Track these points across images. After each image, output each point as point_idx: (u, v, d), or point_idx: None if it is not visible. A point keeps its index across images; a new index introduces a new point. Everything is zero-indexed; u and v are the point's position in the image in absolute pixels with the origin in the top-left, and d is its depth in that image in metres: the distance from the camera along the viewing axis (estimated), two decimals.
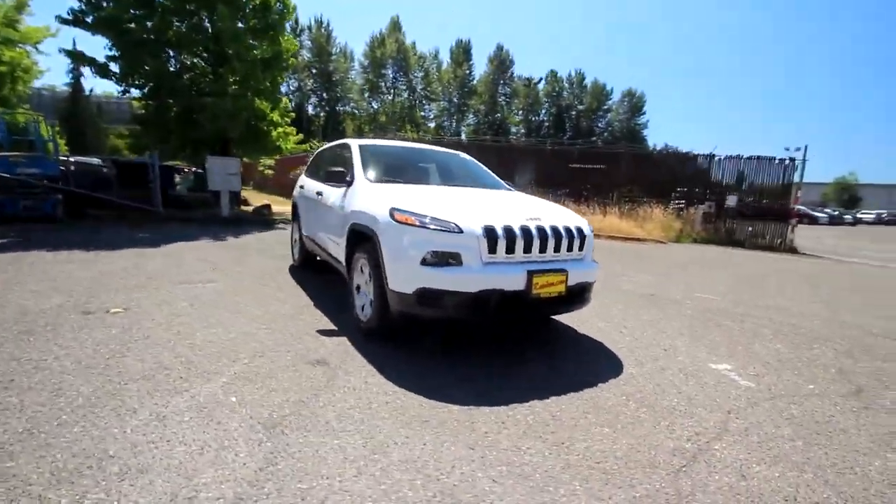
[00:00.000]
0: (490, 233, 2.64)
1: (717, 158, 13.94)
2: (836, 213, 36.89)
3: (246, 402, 2.17)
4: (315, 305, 3.89)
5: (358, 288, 3.33)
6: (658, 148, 37.04)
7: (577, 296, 3.01)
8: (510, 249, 2.69)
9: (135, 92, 11.14)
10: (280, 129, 12.39)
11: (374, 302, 3.00)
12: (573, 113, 63.47)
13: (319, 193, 4.27)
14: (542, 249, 2.80)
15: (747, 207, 13.45)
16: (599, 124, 64.38)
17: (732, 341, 3.56)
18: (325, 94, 48.47)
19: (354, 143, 4.10)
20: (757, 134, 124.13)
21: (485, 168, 4.51)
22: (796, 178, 13.36)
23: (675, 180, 14.65)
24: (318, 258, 5.24)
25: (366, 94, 48.43)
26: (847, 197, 53.18)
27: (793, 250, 12.27)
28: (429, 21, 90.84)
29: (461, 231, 2.62)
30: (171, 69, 10.91)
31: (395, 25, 49.14)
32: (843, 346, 3.56)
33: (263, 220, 11.24)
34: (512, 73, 56.74)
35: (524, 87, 52.98)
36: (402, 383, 2.45)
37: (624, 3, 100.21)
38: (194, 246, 6.65)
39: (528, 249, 2.74)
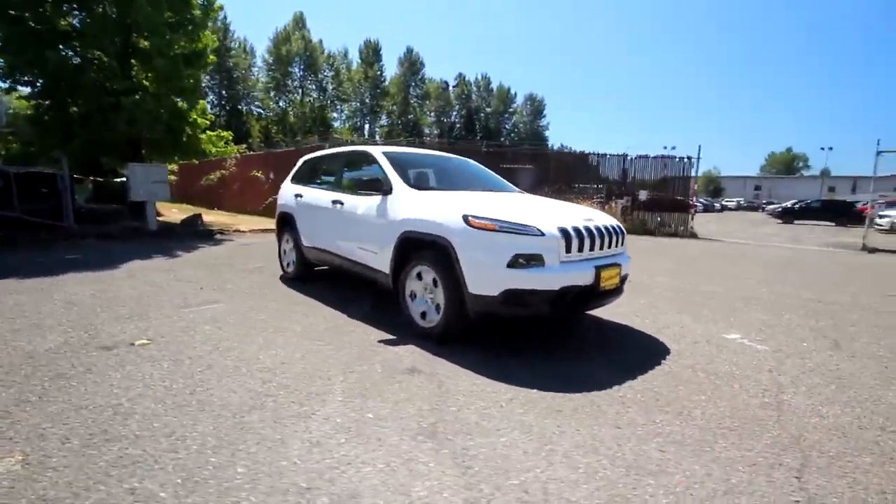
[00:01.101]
0: (565, 234, 2.88)
1: (629, 157, 15.72)
2: (708, 202, 43.26)
3: (384, 417, 2.15)
4: (350, 316, 3.79)
5: (413, 295, 3.35)
6: (556, 148, 40.38)
7: (622, 286, 3.38)
8: (580, 248, 2.95)
9: (23, 89, 9.45)
10: (211, 132, 11.37)
11: (444, 307, 3.07)
12: (482, 115, 66.27)
13: (338, 203, 4.15)
14: (601, 247, 3.11)
15: (655, 200, 15.37)
16: (506, 126, 68.03)
17: (722, 315, 4.22)
18: (224, 92, 44.71)
19: (377, 151, 4.07)
20: (640, 133, 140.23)
21: (493, 173, 4.73)
22: (692, 173, 15.64)
23: (592, 177, 16.20)
24: (316, 268, 5.07)
25: (272, 93, 45.59)
26: (712, 188, 62.65)
27: (694, 236, 14.30)
28: (333, 19, 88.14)
29: (542, 234, 2.82)
30: (74, 64, 9.43)
31: (299, 22, 46.93)
32: (801, 311, 4.41)
33: (198, 232, 10.22)
34: (423, 76, 57.50)
35: (442, 90, 53.94)
36: (506, 381, 2.58)
37: (523, 13, 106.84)
38: (153, 266, 5.93)
39: (591, 247, 3.03)
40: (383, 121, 56.55)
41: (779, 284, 5.93)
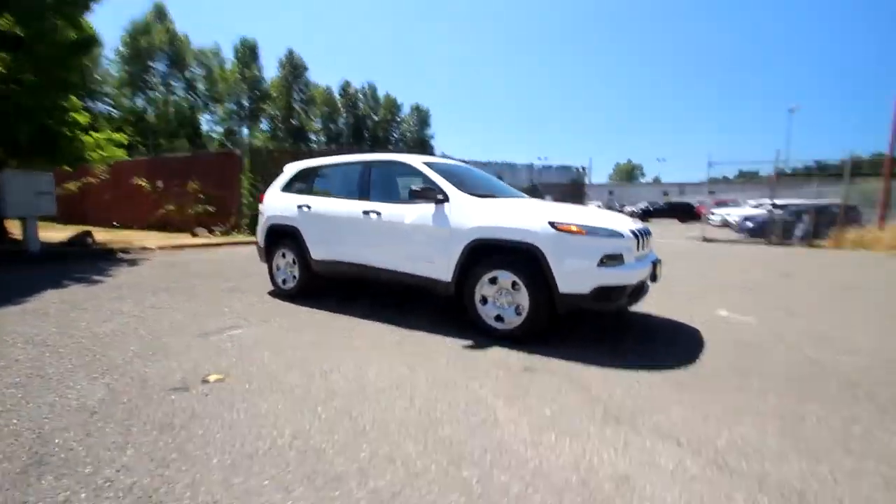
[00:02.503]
0: (635, 234, 3.29)
1: (535, 167, 17.34)
2: None
3: (560, 412, 2.27)
4: (403, 327, 3.69)
5: (484, 299, 3.45)
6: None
7: None
8: (642, 247, 3.40)
9: None
10: (98, 134, 9.56)
11: (528, 308, 3.24)
12: (369, 123, 65.79)
13: (372, 213, 4.00)
14: (647, 245, 3.60)
15: None
16: (394, 134, 68.51)
17: (696, 298, 5.08)
18: None
19: (416, 160, 4.05)
20: (508, 143, 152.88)
21: (502, 181, 4.99)
22: (586, 181, 17.89)
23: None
24: (321, 280, 4.77)
25: (125, 90, 39.05)
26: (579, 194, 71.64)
27: None
28: (198, 16, 79.00)
29: (623, 235, 3.19)
30: None
31: (160, 13, 41.20)
32: (738, 291, 5.54)
33: (95, 252, 8.53)
34: (306, 80, 54.95)
35: (340, 96, 51.89)
36: (614, 366, 2.86)
37: (402, 24, 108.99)
38: (86, 294, 4.88)
39: (645, 246, 3.50)
40: (264, 125, 52.57)
41: (699, 271, 7.26)
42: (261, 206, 5.11)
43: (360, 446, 1.92)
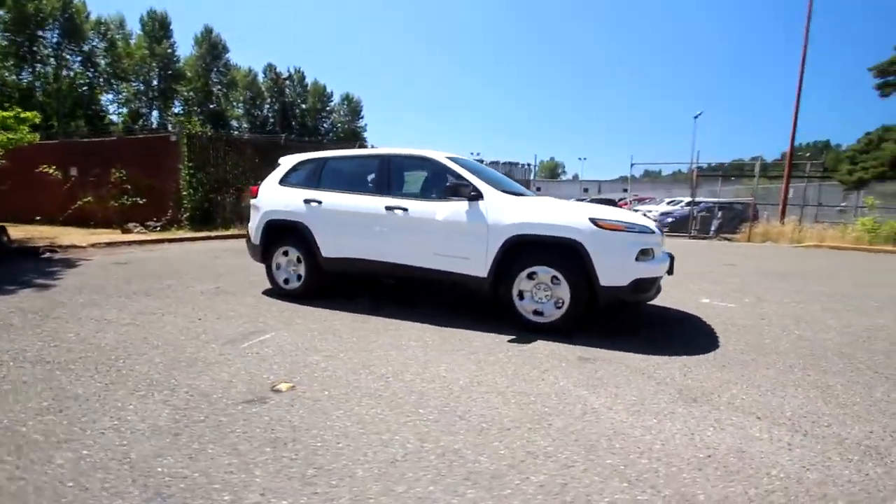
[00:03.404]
0: (659, 230, 3.58)
1: (485, 162, 17.74)
2: None
3: (643, 397, 2.45)
4: (443, 325, 3.68)
5: (521, 294, 3.56)
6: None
7: None
8: (662, 242, 3.70)
9: None
10: (4, 113, 8.15)
11: (569, 301, 3.40)
12: (297, 111, 62.63)
13: (397, 209, 3.90)
14: (663, 241, 3.93)
15: None
16: (325, 124, 65.90)
17: (677, 287, 5.59)
18: None
19: (441, 156, 4.01)
20: (439, 137, 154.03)
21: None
22: (531, 177, 18.68)
23: None
24: (329, 279, 4.58)
25: (9, 63, 33.28)
26: None
27: None
28: None
29: (653, 231, 3.46)
30: None
31: None
32: (707, 280, 6.20)
33: (15, 251, 7.33)
34: (227, 61, 50.87)
35: (271, 81, 48.41)
36: (657, 352, 3.11)
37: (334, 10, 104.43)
38: (43, 299, 4.22)
39: (663, 242, 3.82)
40: (178, 108, 47.79)
41: None
42: (253, 201, 4.75)
43: (493, 444, 1.94)
